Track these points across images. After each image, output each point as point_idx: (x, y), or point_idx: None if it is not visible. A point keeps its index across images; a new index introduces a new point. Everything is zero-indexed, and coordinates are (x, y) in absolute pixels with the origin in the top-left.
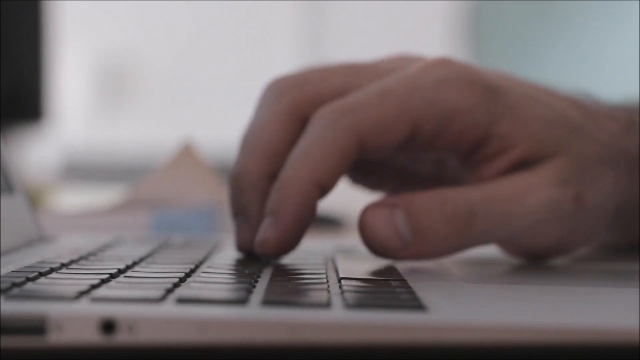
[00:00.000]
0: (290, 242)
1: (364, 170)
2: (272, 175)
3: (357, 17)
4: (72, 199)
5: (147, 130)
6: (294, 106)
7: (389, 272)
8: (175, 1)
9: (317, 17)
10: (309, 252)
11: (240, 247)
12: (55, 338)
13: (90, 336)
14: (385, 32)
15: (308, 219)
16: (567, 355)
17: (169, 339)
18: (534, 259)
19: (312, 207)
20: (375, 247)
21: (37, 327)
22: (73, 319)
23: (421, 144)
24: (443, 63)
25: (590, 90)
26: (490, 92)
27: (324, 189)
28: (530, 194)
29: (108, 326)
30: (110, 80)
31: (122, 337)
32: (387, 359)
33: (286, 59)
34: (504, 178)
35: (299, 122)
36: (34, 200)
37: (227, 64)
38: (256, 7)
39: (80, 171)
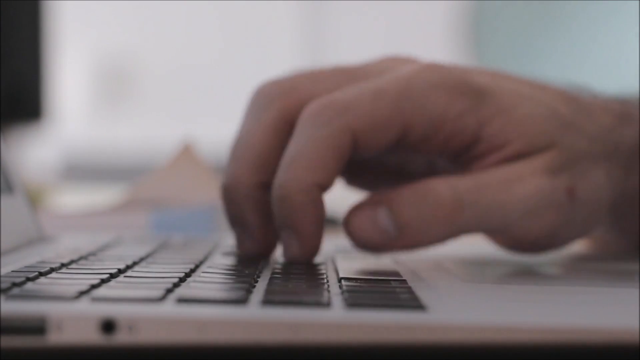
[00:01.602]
0: (316, 248)
1: (358, 170)
2: (265, 184)
3: (357, 17)
4: (72, 199)
5: (147, 131)
6: (283, 113)
7: (389, 272)
8: (175, 1)
9: (317, 17)
10: None
11: (243, 254)
12: (55, 338)
13: (91, 336)
14: (385, 32)
15: (322, 220)
16: (567, 355)
17: (169, 339)
18: (526, 251)
19: (322, 207)
20: (361, 245)
21: (37, 327)
22: (73, 318)
23: (411, 146)
24: (433, 67)
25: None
26: (479, 95)
27: (324, 189)
28: (520, 182)
29: (108, 326)
30: (110, 80)
31: (122, 337)
32: (387, 359)
33: (286, 59)
34: (494, 168)
35: (288, 129)
36: (34, 200)
37: (227, 64)
38: (256, 7)
39: (80, 171)
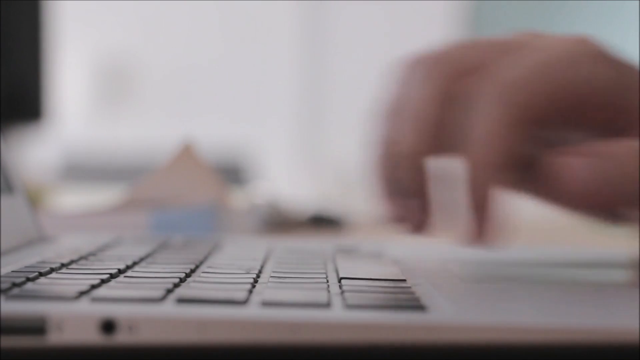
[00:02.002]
0: (492, 233)
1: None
2: (428, 153)
3: (357, 17)
4: (72, 199)
5: (147, 130)
6: (444, 82)
7: (388, 272)
8: (175, 1)
9: (317, 17)
10: (309, 252)
11: (391, 222)
12: (55, 338)
13: (91, 336)
14: (385, 32)
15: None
16: (567, 355)
17: (169, 339)
18: None
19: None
20: (570, 189)
21: (37, 327)
22: (73, 318)
23: (573, 119)
24: (585, 40)
25: None
26: (630, 68)
27: (505, 169)
28: None
29: (108, 326)
30: (110, 80)
31: (122, 337)
32: (387, 359)
33: (286, 59)
34: None
35: (449, 99)
36: (34, 200)
37: (227, 64)
38: (256, 8)
39: (80, 171)
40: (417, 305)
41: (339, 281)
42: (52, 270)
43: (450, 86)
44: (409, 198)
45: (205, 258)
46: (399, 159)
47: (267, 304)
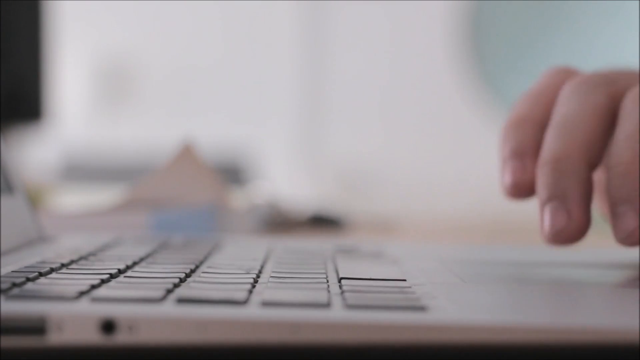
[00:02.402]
0: (586, 226)
1: None
2: (591, 164)
3: (357, 17)
4: (72, 199)
5: (147, 130)
6: (608, 99)
7: (388, 272)
8: (175, 1)
9: (317, 17)
10: (309, 252)
11: (555, 234)
12: (55, 338)
13: (91, 336)
14: (385, 32)
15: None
16: (567, 355)
17: (169, 339)
18: None
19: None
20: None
21: (37, 327)
22: (73, 319)
23: None
24: None
25: None
26: None
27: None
28: None
29: (108, 326)
30: (110, 80)
31: (122, 337)
32: (387, 359)
33: (286, 59)
34: None
35: (611, 114)
36: (34, 200)
37: (227, 64)
38: (256, 8)
39: (80, 171)
40: (417, 306)
41: (339, 281)
42: (52, 270)
43: (613, 102)
44: (570, 201)
45: (205, 258)
46: (562, 166)
47: (267, 304)
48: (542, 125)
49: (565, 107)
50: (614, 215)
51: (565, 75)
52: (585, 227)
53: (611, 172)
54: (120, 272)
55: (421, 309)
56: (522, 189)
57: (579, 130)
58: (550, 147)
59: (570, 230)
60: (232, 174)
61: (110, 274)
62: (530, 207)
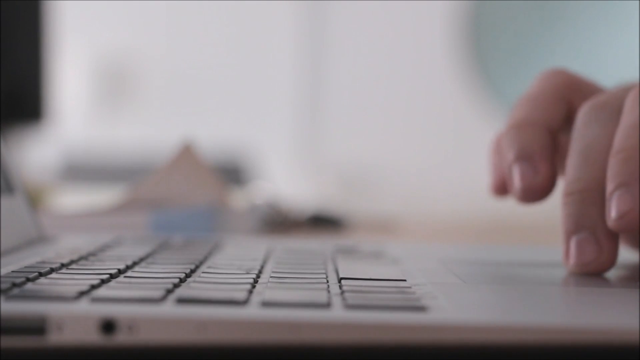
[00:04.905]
0: (615, 257)
1: None
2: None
3: (357, 17)
4: (72, 199)
5: (147, 131)
6: None
7: (388, 272)
8: (175, 1)
9: (317, 17)
10: (309, 252)
11: (583, 265)
12: (55, 338)
13: (91, 336)
14: (385, 32)
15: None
16: (567, 355)
17: (169, 339)
18: None
19: None
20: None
21: (37, 327)
22: (73, 319)
23: None
24: None
25: None
26: None
27: None
28: None
29: (108, 326)
30: (110, 81)
31: (122, 337)
32: (387, 359)
33: (286, 59)
34: None
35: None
36: (34, 200)
37: (227, 64)
38: (256, 7)
39: (80, 171)
40: (417, 306)
41: (339, 281)
42: (52, 270)
43: None
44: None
45: (205, 258)
46: (598, 202)
47: (267, 304)
48: (544, 128)
49: (585, 134)
50: (611, 198)
51: (560, 77)
52: (615, 258)
53: (612, 160)
54: (120, 272)
55: (421, 309)
56: (534, 193)
57: (604, 160)
58: (576, 176)
59: (600, 263)
60: (232, 174)
61: (110, 274)
62: (531, 207)
